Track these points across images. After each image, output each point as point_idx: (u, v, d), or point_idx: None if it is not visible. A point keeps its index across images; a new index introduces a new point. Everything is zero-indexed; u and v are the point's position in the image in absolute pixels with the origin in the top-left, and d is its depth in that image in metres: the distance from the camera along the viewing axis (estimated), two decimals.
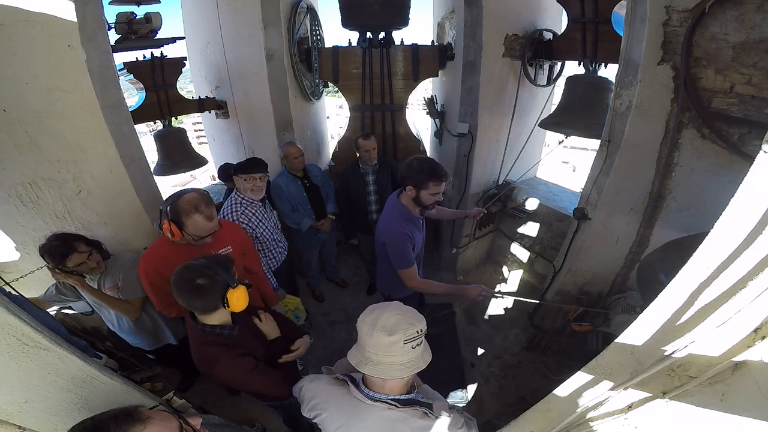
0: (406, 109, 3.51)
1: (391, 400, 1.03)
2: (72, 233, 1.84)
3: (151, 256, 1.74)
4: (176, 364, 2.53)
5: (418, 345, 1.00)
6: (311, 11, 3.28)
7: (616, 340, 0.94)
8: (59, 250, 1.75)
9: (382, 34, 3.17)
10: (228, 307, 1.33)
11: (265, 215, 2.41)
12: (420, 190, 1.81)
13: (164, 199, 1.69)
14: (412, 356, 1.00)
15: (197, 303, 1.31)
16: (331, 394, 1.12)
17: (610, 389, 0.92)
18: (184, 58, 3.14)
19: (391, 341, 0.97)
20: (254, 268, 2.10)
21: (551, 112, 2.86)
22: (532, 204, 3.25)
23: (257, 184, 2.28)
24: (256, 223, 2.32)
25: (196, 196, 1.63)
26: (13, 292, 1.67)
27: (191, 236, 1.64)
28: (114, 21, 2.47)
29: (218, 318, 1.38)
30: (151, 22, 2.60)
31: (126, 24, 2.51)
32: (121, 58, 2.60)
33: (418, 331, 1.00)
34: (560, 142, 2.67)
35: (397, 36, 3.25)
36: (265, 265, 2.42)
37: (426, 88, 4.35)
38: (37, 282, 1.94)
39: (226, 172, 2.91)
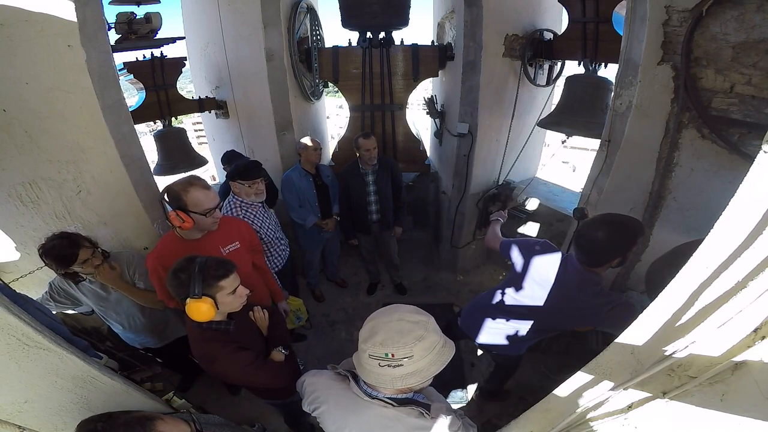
0: (406, 109, 3.51)
1: (387, 398, 1.03)
2: (70, 231, 1.80)
3: (159, 253, 1.75)
4: (177, 363, 2.53)
5: (389, 366, 0.94)
6: (311, 11, 3.28)
7: (616, 340, 0.94)
8: (66, 250, 1.67)
9: (382, 34, 3.17)
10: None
11: (265, 215, 2.41)
12: (627, 254, 1.54)
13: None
14: (384, 373, 0.95)
15: (173, 291, 1.33)
16: (331, 388, 1.13)
17: (610, 389, 0.92)
18: (184, 58, 3.14)
19: (360, 348, 0.98)
20: (261, 263, 2.12)
21: (551, 111, 2.86)
22: (532, 204, 3.25)
23: (260, 187, 2.28)
24: (259, 225, 2.33)
25: (184, 177, 1.66)
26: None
27: (200, 214, 1.61)
28: (114, 21, 2.47)
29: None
30: (151, 22, 2.60)
31: (126, 24, 2.52)
32: (121, 58, 2.61)
33: (387, 355, 0.93)
34: (563, 142, 2.65)
35: (397, 36, 3.26)
36: (270, 266, 2.43)
37: (426, 88, 4.35)
38: (37, 282, 1.93)
39: (231, 158, 2.87)
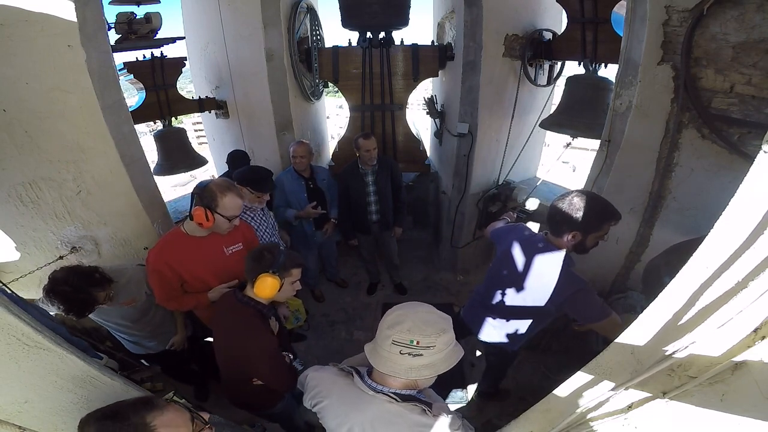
0: (406, 109, 3.51)
1: (391, 393, 1.03)
2: (70, 269, 1.65)
3: (163, 250, 1.75)
4: (184, 372, 2.53)
5: (409, 355, 0.96)
6: (311, 11, 3.28)
7: (616, 340, 0.94)
8: (79, 296, 1.56)
9: (382, 34, 3.17)
10: (252, 286, 1.47)
11: (263, 218, 2.42)
12: (588, 234, 1.52)
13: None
14: (401, 362, 0.97)
15: (249, 266, 1.49)
16: (334, 383, 1.14)
17: (610, 389, 0.92)
18: (184, 58, 3.14)
19: (383, 334, 0.99)
20: None
21: (551, 112, 2.86)
22: (532, 204, 3.25)
23: (265, 198, 2.30)
24: (256, 228, 2.33)
25: (224, 180, 1.79)
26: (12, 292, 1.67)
27: (224, 217, 1.68)
28: (114, 21, 2.47)
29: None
30: (151, 22, 2.61)
31: (126, 24, 2.52)
32: (121, 58, 2.61)
33: (412, 341, 0.95)
34: (567, 145, 2.62)
35: (397, 36, 3.26)
36: None
37: (426, 88, 4.36)
38: (37, 282, 1.93)
39: (237, 160, 2.84)
